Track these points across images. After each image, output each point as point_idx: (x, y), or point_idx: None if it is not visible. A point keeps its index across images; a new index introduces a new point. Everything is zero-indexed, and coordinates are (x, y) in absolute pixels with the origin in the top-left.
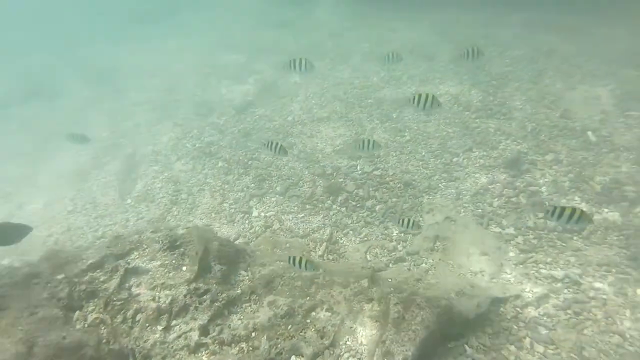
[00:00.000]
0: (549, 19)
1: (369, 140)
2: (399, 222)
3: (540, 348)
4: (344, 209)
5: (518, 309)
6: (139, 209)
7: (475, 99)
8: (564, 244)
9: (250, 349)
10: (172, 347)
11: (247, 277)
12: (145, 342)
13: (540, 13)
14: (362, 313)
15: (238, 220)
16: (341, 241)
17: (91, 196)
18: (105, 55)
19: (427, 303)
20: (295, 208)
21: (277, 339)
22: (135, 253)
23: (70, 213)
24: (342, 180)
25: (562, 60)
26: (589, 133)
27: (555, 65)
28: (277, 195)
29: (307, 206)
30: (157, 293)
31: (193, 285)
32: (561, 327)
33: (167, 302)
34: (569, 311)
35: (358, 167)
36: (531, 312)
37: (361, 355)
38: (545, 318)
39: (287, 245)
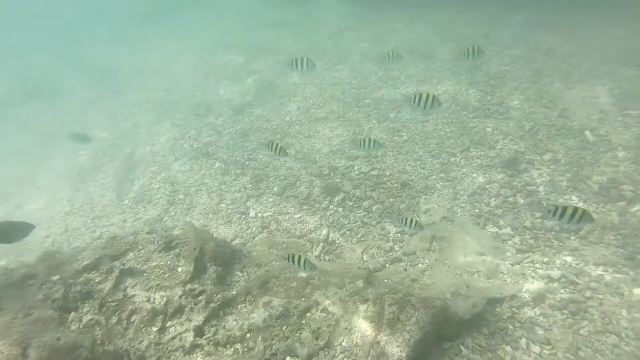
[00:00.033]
0: (549, 19)
1: (370, 139)
2: (401, 222)
3: (536, 348)
4: (341, 209)
5: (514, 309)
6: (137, 209)
7: (473, 98)
8: (560, 244)
9: (245, 350)
10: (167, 348)
11: (242, 278)
12: (140, 343)
13: (539, 13)
14: (357, 314)
15: (235, 221)
16: (338, 241)
17: (89, 197)
18: (105, 55)
19: (422, 304)
20: (292, 208)
21: (272, 339)
22: (131, 254)
23: (67, 214)
24: (339, 180)
25: (561, 59)
26: (587, 132)
27: (554, 65)
28: (274, 196)
29: (304, 206)
30: (152, 294)
31: (188, 286)
32: (557, 327)
33: (162, 303)
34: (565, 311)
35: (355, 167)
36: (527, 312)
37: (356, 356)
38: (541, 318)
39: (284, 245)
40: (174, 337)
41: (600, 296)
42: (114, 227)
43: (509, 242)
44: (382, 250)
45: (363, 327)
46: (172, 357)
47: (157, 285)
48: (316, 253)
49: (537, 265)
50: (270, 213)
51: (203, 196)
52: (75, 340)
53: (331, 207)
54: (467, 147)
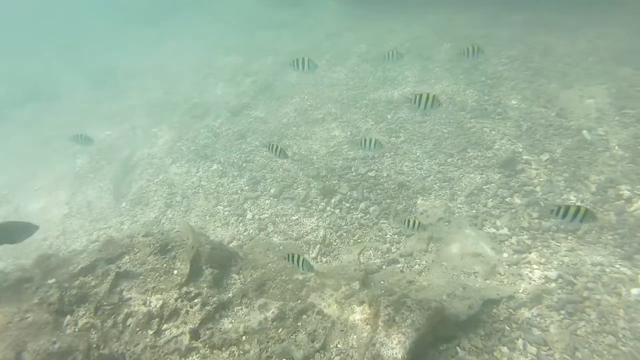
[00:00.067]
0: (548, 18)
1: (371, 139)
2: (404, 223)
3: (533, 349)
4: (338, 210)
5: (511, 310)
6: (134, 212)
7: (471, 98)
8: (558, 244)
9: (241, 352)
10: (163, 351)
11: (239, 281)
12: (135, 346)
13: (539, 12)
14: (353, 316)
15: (232, 223)
16: (335, 243)
17: (87, 199)
18: (104, 55)
19: (417, 305)
20: (290, 210)
21: (268, 342)
22: (127, 257)
23: (65, 216)
24: (336, 182)
25: (559, 59)
26: (585, 132)
27: (552, 64)
28: (271, 198)
29: (302, 208)
30: (148, 297)
31: (184, 289)
32: (554, 327)
33: (158, 306)
34: (562, 312)
35: (352, 169)
36: (524, 313)
37: (352, 358)
38: (538, 319)
39: (281, 247)
40: (169, 340)
41: (598, 296)
42: (112, 230)
43: (506, 242)
44: (379, 252)
45: (359, 329)
46: None
47: (153, 288)
48: (313, 255)
49: (534, 266)
50: (268, 215)
51: (200, 198)
52: (70, 344)
53: (328, 208)
54: (465, 147)
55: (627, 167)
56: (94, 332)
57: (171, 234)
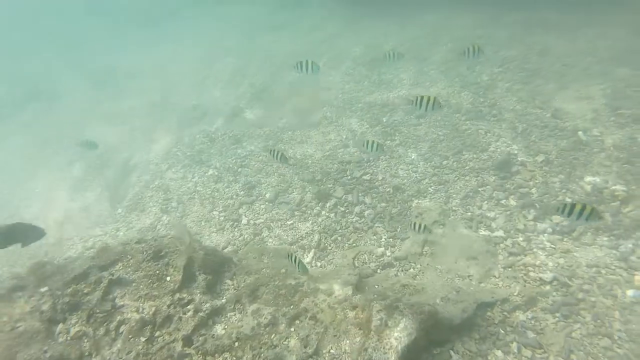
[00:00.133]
0: (547, 18)
1: (373, 142)
2: (411, 227)
3: (527, 352)
4: (333, 214)
5: (506, 313)
6: (130, 218)
7: (466, 100)
8: (553, 246)
9: (234, 358)
10: (155, 358)
11: (232, 286)
12: (128, 354)
13: (538, 12)
14: (345, 321)
15: (227, 228)
16: (330, 248)
17: (83, 206)
18: (104, 56)
19: (410, 309)
20: (285, 215)
21: (261, 348)
22: (120, 264)
23: (61, 223)
24: (331, 186)
25: (556, 59)
26: (580, 133)
27: (549, 65)
28: (266, 203)
29: (296, 213)
30: (141, 304)
31: (177, 295)
32: (549, 330)
33: (150, 313)
34: (557, 314)
35: (347, 172)
36: (519, 315)
37: None
38: (533, 322)
39: (275, 252)
40: (162, 347)
41: (593, 298)
42: (107, 237)
43: (501, 245)
44: (373, 256)
45: (352, 334)
46: None
47: (146, 295)
48: (308, 259)
49: (529, 268)
50: (263, 220)
51: (196, 204)
52: (62, 352)
53: (323, 212)
54: (460, 150)
55: (623, 167)
56: (86, 340)
57: (165, 240)
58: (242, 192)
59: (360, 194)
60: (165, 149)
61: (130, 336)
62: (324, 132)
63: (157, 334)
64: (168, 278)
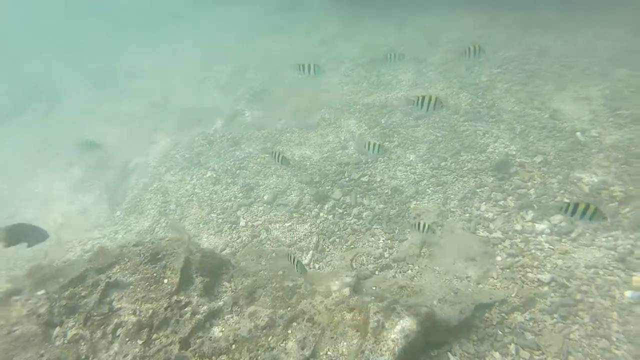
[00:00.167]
0: (546, 19)
1: (374, 143)
2: (415, 227)
3: (525, 354)
4: (331, 216)
5: (504, 315)
6: (128, 221)
7: (464, 101)
8: (551, 247)
9: None
10: None
11: (229, 288)
12: (125, 357)
13: (537, 13)
14: (343, 323)
15: (226, 231)
16: (328, 249)
17: (82, 208)
18: (104, 57)
19: (407, 311)
20: (283, 217)
21: (258, 350)
22: (117, 267)
23: (60, 226)
24: (329, 187)
25: (555, 60)
26: (578, 134)
27: (547, 66)
28: (264, 204)
29: (295, 215)
30: (138, 307)
31: (174, 298)
32: (547, 331)
33: (147, 315)
34: (555, 315)
35: (346, 174)
36: (517, 317)
37: None
38: (531, 323)
39: (273, 254)
40: (159, 350)
41: (591, 299)
42: (106, 240)
43: (499, 246)
44: (372, 258)
45: (349, 336)
46: None
47: (143, 297)
48: (306, 261)
49: (528, 269)
50: (261, 222)
51: (194, 206)
52: (59, 356)
53: (321, 214)
54: (458, 151)
55: (621, 168)
56: (83, 344)
57: (162, 242)
58: (240, 194)
59: (358, 196)
60: (164, 151)
61: (127, 339)
62: (323, 134)
63: (154, 336)
64: (165, 280)
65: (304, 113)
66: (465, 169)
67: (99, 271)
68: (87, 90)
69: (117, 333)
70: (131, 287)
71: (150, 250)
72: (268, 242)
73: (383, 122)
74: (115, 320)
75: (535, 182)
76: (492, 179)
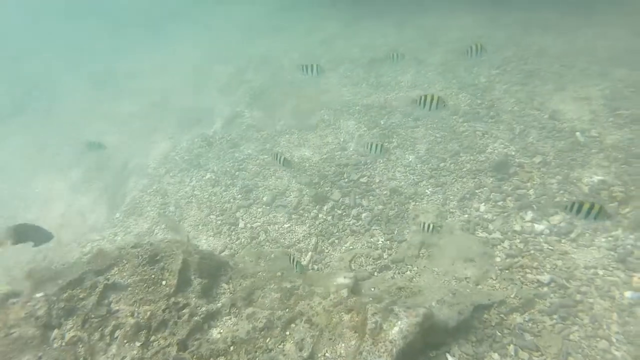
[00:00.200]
0: (546, 19)
1: (376, 145)
2: (420, 227)
3: (524, 355)
4: (330, 217)
5: (503, 316)
6: (127, 223)
7: (463, 102)
8: (551, 248)
9: None
10: None
11: (228, 290)
12: (122, 359)
13: (537, 13)
14: (341, 324)
15: (225, 232)
16: (327, 250)
17: (81, 210)
18: (104, 57)
19: (405, 312)
20: (282, 218)
21: (256, 352)
22: (115, 269)
23: (60, 227)
24: (328, 188)
25: (555, 60)
26: (578, 134)
27: (547, 66)
28: (263, 206)
29: (294, 216)
30: (136, 308)
31: (172, 299)
32: (547, 332)
33: (145, 317)
34: (555, 316)
35: (345, 175)
36: (516, 318)
37: None
38: (530, 324)
39: (272, 256)
40: (157, 352)
41: (591, 300)
42: (105, 242)
43: (498, 246)
44: (370, 259)
45: (347, 338)
46: None
47: (141, 299)
48: (304, 263)
49: (527, 270)
50: (260, 223)
51: (193, 208)
52: (57, 358)
53: (320, 215)
54: (457, 152)
55: (621, 168)
56: (81, 346)
57: (161, 244)
58: (239, 196)
59: (357, 197)
60: (164, 152)
61: (125, 341)
62: (322, 135)
63: (152, 338)
64: (164, 282)
65: (304, 114)
66: (465, 169)
67: (97, 273)
68: (87, 90)
69: (115, 335)
70: (129, 289)
71: (149, 252)
72: (267, 243)
73: (382, 123)
74: (113, 322)
75: (534, 182)
76: (491, 179)
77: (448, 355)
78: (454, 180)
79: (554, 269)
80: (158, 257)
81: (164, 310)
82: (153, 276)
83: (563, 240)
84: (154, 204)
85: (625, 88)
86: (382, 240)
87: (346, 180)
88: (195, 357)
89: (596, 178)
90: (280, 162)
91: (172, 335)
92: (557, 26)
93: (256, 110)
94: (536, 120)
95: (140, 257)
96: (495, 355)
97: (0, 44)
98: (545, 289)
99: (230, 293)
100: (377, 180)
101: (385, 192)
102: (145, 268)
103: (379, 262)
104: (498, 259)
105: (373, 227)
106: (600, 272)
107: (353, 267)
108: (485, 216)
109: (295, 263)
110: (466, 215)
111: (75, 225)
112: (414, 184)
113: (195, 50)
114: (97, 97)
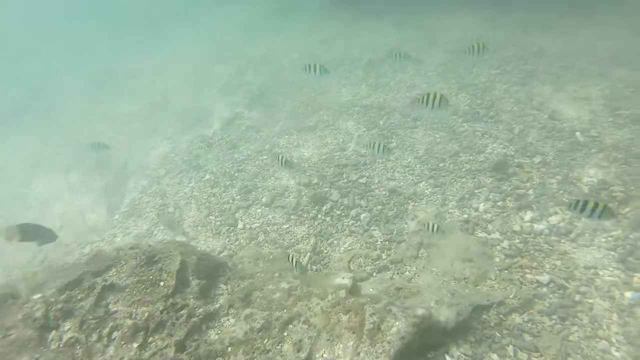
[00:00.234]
0: (546, 19)
1: (379, 144)
2: (425, 228)
3: (523, 356)
4: (329, 218)
5: (502, 316)
6: (127, 224)
7: (463, 102)
8: (550, 248)
9: None
10: None
11: (226, 291)
12: None
13: (537, 13)
14: (339, 325)
15: (224, 233)
16: (325, 251)
17: (81, 211)
18: (104, 57)
19: (403, 313)
20: (281, 219)
21: (254, 353)
22: (114, 270)
23: (60, 229)
24: (327, 189)
25: (554, 60)
26: (577, 134)
27: (547, 66)
28: (262, 207)
29: (292, 217)
30: (134, 310)
31: (170, 300)
32: (546, 333)
33: (143, 318)
34: (554, 317)
35: (344, 176)
36: (515, 318)
37: None
38: (529, 324)
39: (271, 257)
40: (155, 353)
41: (591, 300)
42: (104, 243)
43: (497, 247)
44: (369, 259)
45: (345, 338)
46: None
47: (139, 300)
48: (303, 263)
49: (526, 270)
50: (259, 224)
51: (192, 209)
52: (54, 359)
53: (319, 216)
54: (456, 152)
55: (621, 168)
56: (78, 347)
57: (159, 245)
58: (238, 197)
59: (356, 197)
60: (163, 153)
61: (122, 342)
62: (321, 136)
63: (150, 339)
64: (162, 283)
65: (303, 115)
66: (464, 169)
67: (95, 274)
68: (87, 90)
69: (113, 336)
70: (127, 290)
71: (147, 253)
72: (266, 244)
73: (381, 123)
74: (111, 324)
75: (534, 182)
76: (490, 179)
77: (447, 356)
78: (453, 180)
79: (554, 269)
80: (156, 258)
81: (161, 312)
82: (151, 277)
83: (562, 240)
84: (153, 205)
85: (625, 88)
86: (381, 240)
87: (345, 180)
88: (193, 358)
89: (596, 178)
90: (281, 163)
91: (169, 336)
92: (557, 26)
93: (255, 111)
94: (536, 120)
95: (138, 258)
96: (494, 356)
97: (0, 44)
98: (545, 289)
99: (229, 294)
100: (376, 181)
101: (384, 192)
102: (143, 269)
103: (377, 262)
104: (497, 259)
105: (372, 228)
106: (600, 272)
107: (352, 268)
108: (485, 216)
109: (295, 263)
110: (465, 216)
111: (75, 225)
112: (413, 184)
113: (195, 51)
114: (97, 96)
